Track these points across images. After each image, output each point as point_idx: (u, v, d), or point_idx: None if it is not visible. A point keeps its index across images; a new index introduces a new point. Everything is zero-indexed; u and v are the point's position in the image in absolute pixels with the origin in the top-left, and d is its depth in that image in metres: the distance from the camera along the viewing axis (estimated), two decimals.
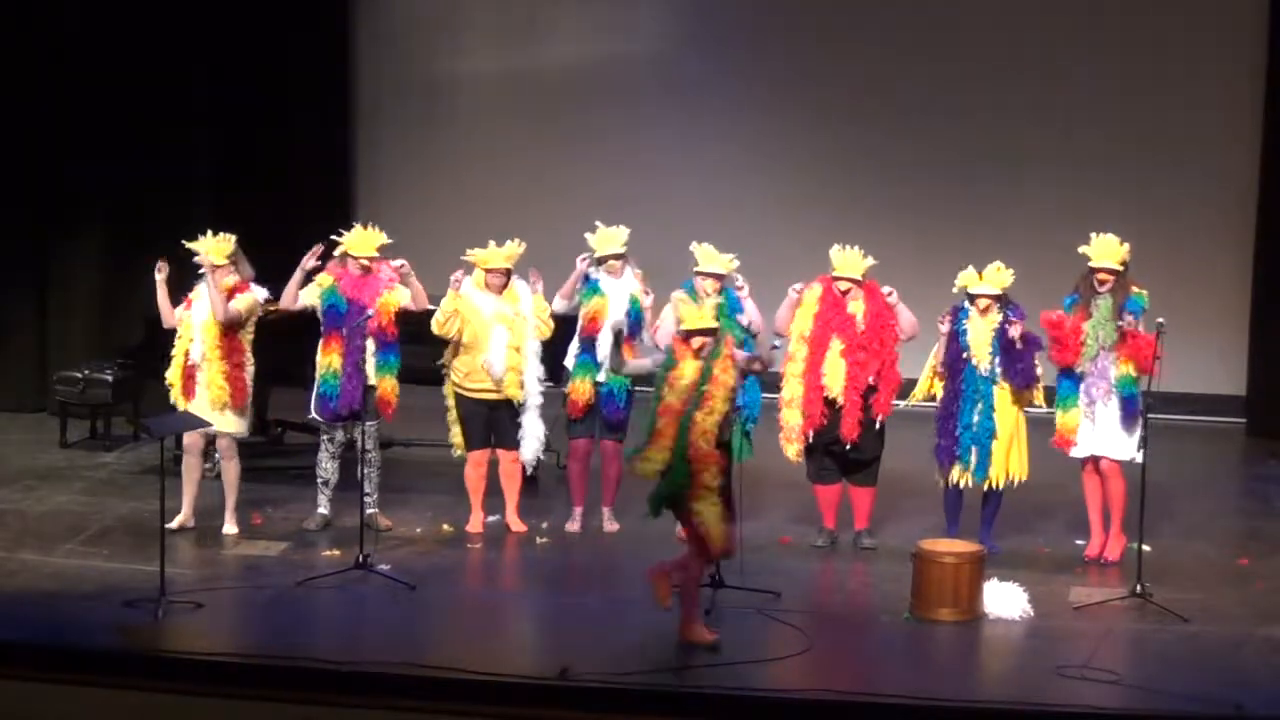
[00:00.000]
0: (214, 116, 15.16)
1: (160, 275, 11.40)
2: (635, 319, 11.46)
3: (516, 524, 11.68)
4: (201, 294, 11.34)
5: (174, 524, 11.28)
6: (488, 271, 11.41)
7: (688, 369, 9.51)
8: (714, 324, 9.60)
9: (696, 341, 9.53)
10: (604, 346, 11.37)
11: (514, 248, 11.47)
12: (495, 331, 11.42)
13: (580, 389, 11.48)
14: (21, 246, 14.87)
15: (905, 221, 15.15)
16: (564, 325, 11.70)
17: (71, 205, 14.83)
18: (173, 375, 11.40)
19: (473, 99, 16.28)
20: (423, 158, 16.26)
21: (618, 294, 11.48)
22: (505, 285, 11.46)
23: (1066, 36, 15.31)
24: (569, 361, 11.63)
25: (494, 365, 11.41)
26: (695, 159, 15.81)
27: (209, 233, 11.40)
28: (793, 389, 11.16)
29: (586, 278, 11.51)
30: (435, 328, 11.40)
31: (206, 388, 11.28)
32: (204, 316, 11.31)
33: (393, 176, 16.32)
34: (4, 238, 14.80)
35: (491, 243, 11.47)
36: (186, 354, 11.33)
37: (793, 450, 11.23)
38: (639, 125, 15.91)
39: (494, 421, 11.57)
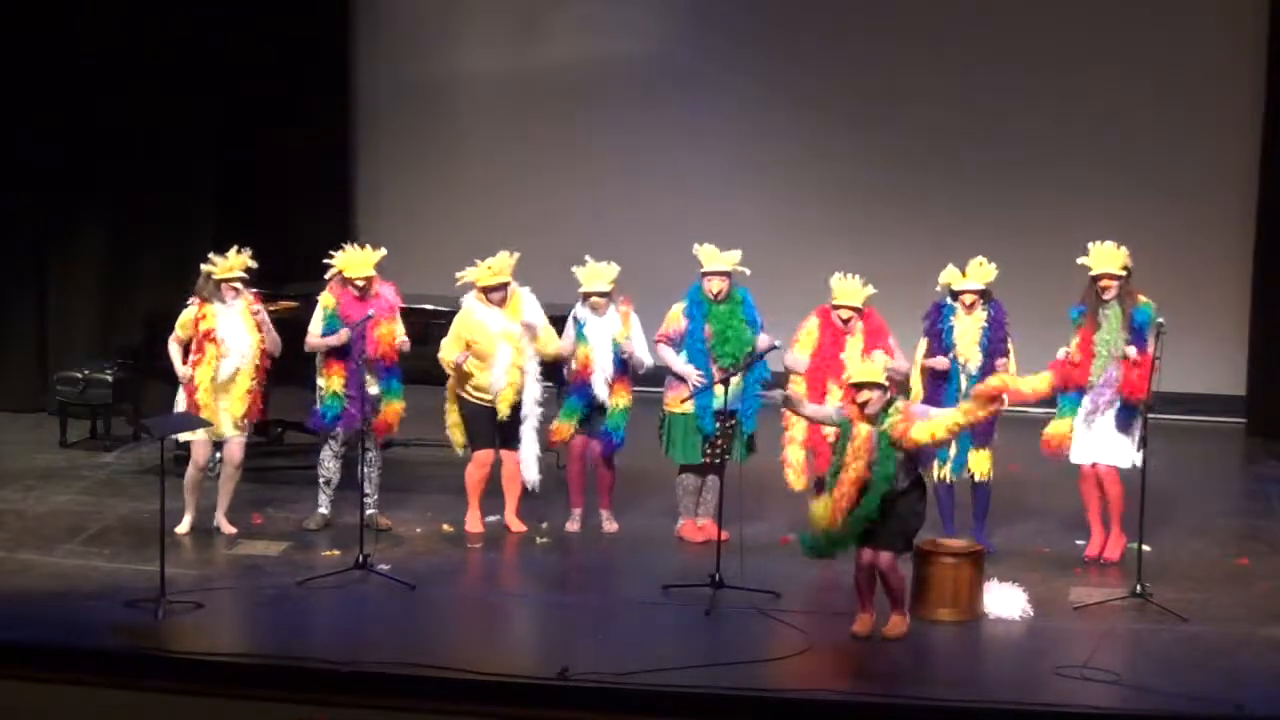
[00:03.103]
0: (214, 117, 15.15)
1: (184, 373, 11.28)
2: (617, 361, 11.46)
3: (516, 524, 11.68)
4: (223, 316, 11.28)
5: (185, 528, 11.32)
6: (485, 290, 11.40)
7: (860, 439, 9.49)
8: (881, 379, 9.53)
9: (862, 396, 9.49)
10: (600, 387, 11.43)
11: (505, 259, 11.42)
12: (500, 349, 11.40)
13: (562, 431, 11.52)
14: (22, 246, 14.88)
15: (905, 220, 15.15)
16: (560, 327, 11.71)
17: (72, 206, 14.83)
18: (204, 395, 11.24)
19: (473, 99, 16.28)
20: (423, 158, 16.26)
21: (601, 337, 11.44)
22: (505, 298, 11.43)
23: (1064, 36, 15.30)
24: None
25: (495, 382, 11.40)
26: (696, 159, 15.80)
27: (232, 251, 11.31)
28: (796, 426, 11.14)
29: (575, 320, 11.51)
30: (441, 361, 11.42)
31: (228, 402, 11.25)
32: (246, 336, 11.26)
33: (393, 176, 16.32)
34: (4, 238, 14.81)
35: (478, 261, 11.41)
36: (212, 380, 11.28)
37: (798, 482, 11.23)
38: (639, 125, 15.90)
39: (502, 425, 11.57)
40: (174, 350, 11.29)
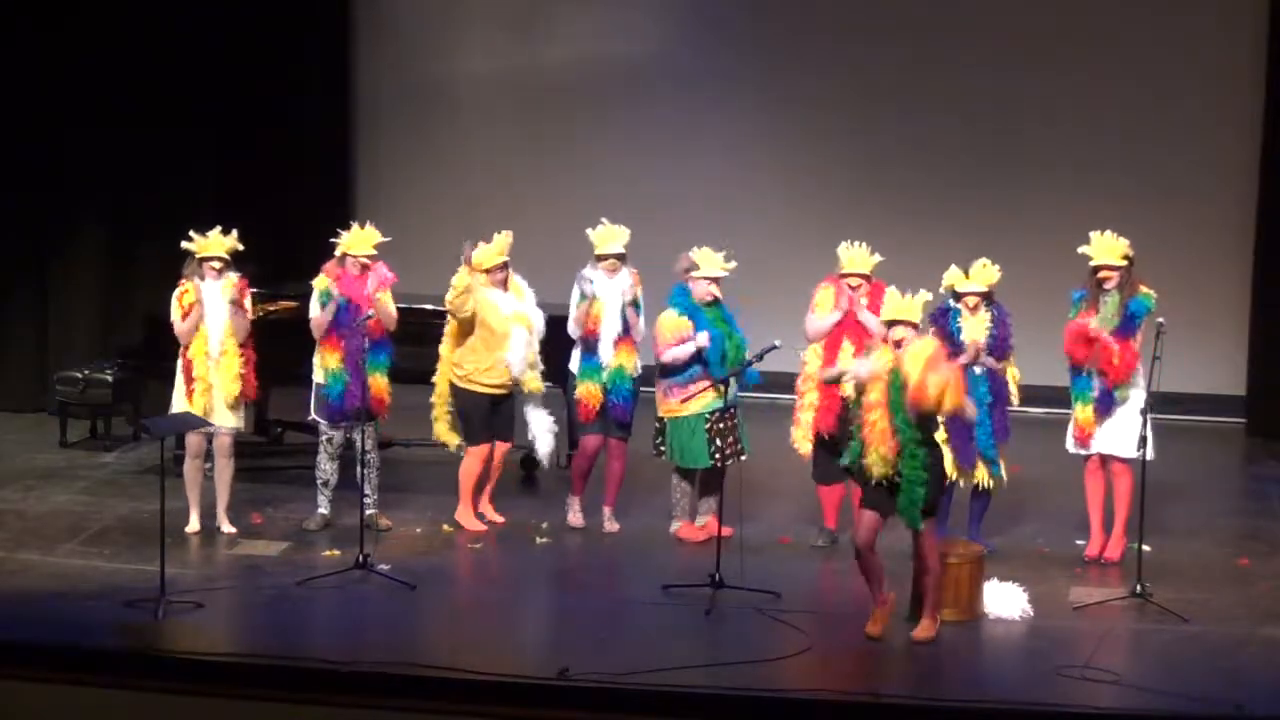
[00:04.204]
0: (215, 117, 15.15)
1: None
2: (623, 321, 11.51)
3: (493, 514, 11.76)
4: (206, 293, 11.31)
5: (194, 526, 11.38)
6: (487, 271, 11.44)
7: (885, 358, 9.49)
8: (916, 316, 9.58)
9: (896, 333, 9.52)
10: (607, 349, 11.47)
11: (503, 239, 11.52)
12: (515, 330, 11.47)
13: (589, 393, 11.50)
14: (22, 247, 14.88)
15: (905, 221, 15.11)
16: (562, 327, 11.73)
17: (72, 206, 14.83)
18: (200, 368, 11.27)
19: (473, 98, 16.28)
20: (423, 157, 16.26)
21: (612, 295, 11.49)
22: (506, 278, 11.50)
23: (1064, 36, 15.30)
24: (573, 365, 11.64)
25: (513, 364, 11.46)
26: (696, 158, 15.80)
27: (215, 231, 11.39)
28: (810, 393, 11.14)
29: (582, 281, 11.52)
30: (448, 305, 11.38)
31: (221, 384, 11.29)
32: (221, 317, 11.31)
33: (393, 176, 16.32)
34: (4, 238, 14.81)
35: (481, 243, 11.48)
36: (205, 355, 11.30)
37: (805, 446, 11.20)
38: (640, 125, 15.90)
39: (495, 416, 11.61)
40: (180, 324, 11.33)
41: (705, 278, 11.27)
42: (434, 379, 11.68)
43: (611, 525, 11.71)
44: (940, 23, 15.48)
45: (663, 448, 11.42)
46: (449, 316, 11.55)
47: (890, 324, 9.63)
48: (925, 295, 9.75)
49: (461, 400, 11.58)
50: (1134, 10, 15.24)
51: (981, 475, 10.99)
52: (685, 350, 11.20)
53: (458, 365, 11.53)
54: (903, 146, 15.53)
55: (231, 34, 15.15)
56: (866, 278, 11.03)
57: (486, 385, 11.52)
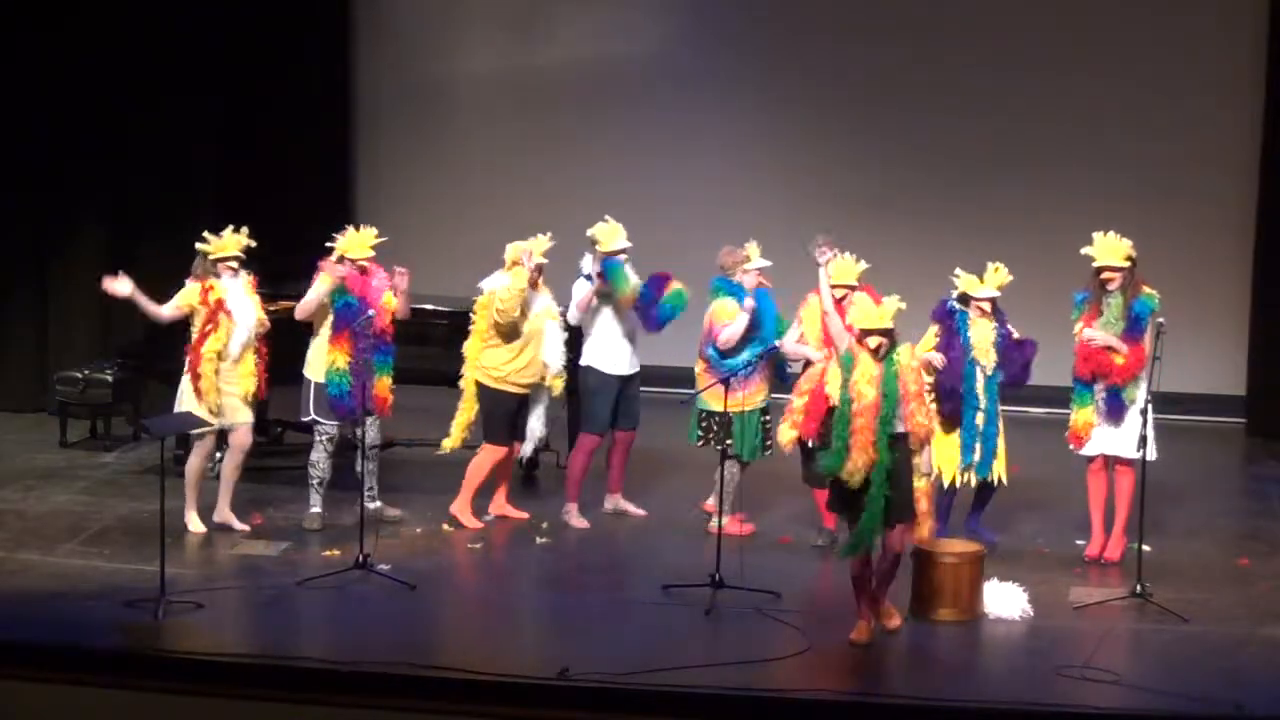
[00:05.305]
0: (214, 117, 15.15)
1: (124, 289, 11.30)
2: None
3: (515, 511, 11.79)
4: (230, 290, 11.31)
5: (199, 526, 11.38)
6: (536, 269, 11.50)
7: (868, 370, 9.45)
8: (890, 325, 9.52)
9: (873, 341, 9.48)
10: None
11: (544, 240, 11.57)
12: (550, 326, 11.52)
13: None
14: (22, 247, 14.88)
15: (904, 222, 15.16)
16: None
17: (72, 206, 14.83)
18: (208, 366, 11.27)
19: (473, 99, 16.28)
20: (423, 157, 16.26)
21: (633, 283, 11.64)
22: (539, 279, 11.58)
23: (1064, 36, 15.31)
24: (590, 360, 11.68)
25: (551, 360, 11.53)
26: (696, 158, 15.81)
27: (227, 231, 11.41)
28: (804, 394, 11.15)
29: (588, 278, 11.55)
30: (503, 314, 11.34)
31: (238, 380, 11.29)
32: (250, 310, 11.33)
33: (393, 176, 16.32)
34: (4, 238, 14.81)
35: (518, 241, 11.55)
36: (218, 352, 11.30)
37: (786, 437, 11.12)
38: (640, 125, 15.91)
39: (521, 416, 11.70)
40: (155, 308, 11.28)
41: (757, 269, 11.36)
42: (460, 382, 11.67)
43: (638, 511, 11.81)
44: (940, 23, 15.49)
45: (729, 442, 11.24)
46: (471, 315, 11.56)
47: (865, 333, 9.54)
48: (899, 303, 9.69)
49: (491, 401, 11.56)
50: (1134, 10, 15.25)
51: (997, 469, 11.01)
52: (740, 324, 11.17)
53: (493, 368, 11.51)
54: (903, 147, 15.54)
55: (231, 34, 15.15)
56: (852, 288, 11.00)
57: (520, 385, 11.55)
